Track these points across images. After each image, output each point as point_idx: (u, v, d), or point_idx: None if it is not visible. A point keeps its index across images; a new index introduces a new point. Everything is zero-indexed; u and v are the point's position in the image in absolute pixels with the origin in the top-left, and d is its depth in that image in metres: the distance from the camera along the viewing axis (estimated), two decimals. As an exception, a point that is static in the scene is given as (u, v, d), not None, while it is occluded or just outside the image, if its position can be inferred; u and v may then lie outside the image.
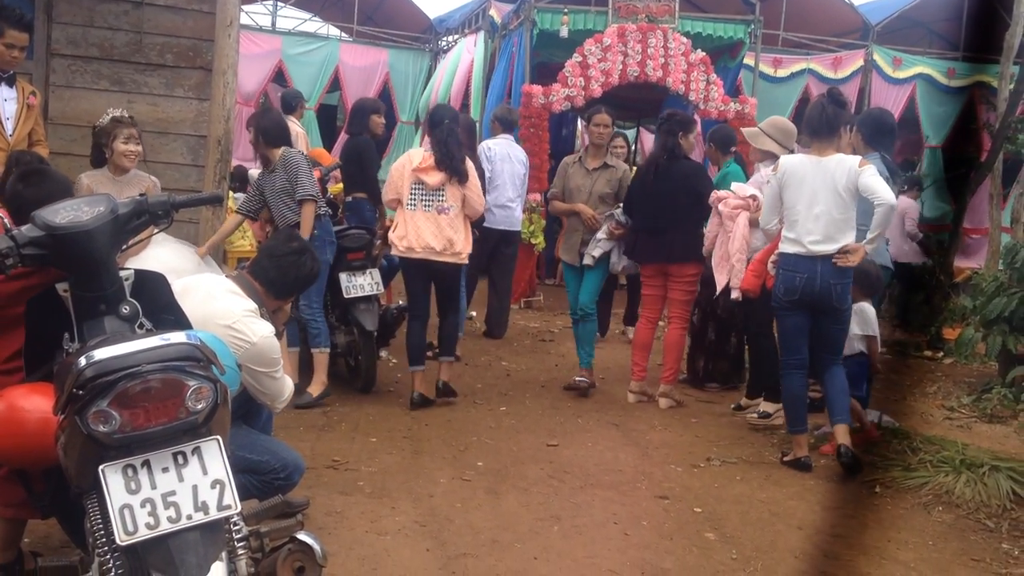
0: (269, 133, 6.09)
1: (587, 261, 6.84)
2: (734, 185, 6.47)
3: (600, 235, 6.79)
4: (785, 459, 5.55)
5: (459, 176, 6.08)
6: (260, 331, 3.70)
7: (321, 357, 6.28)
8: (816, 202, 5.27)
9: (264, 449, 3.87)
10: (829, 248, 5.26)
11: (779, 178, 5.44)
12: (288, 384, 3.93)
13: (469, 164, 6.22)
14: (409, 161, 6.14)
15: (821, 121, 5.39)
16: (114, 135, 5.01)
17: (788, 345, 5.51)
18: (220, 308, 3.68)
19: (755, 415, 6.36)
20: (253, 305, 3.82)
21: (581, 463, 5.40)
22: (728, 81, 12.49)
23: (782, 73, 14.51)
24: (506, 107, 9.42)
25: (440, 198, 6.08)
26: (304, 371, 6.36)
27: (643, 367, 6.82)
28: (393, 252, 6.29)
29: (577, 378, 6.96)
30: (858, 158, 5.40)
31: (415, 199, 6.09)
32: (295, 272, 4.00)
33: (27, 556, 3.44)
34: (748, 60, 13.04)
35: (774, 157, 6.07)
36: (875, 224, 5.22)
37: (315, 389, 6.19)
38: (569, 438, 5.85)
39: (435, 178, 6.04)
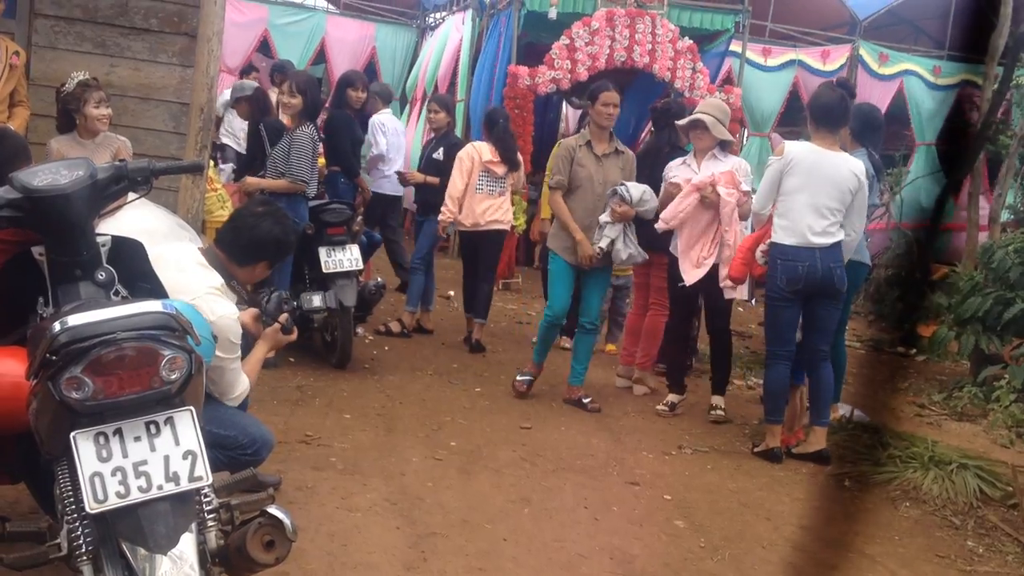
0: (309, 108, 6.57)
1: (606, 250, 6.13)
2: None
3: (604, 218, 6.10)
4: (756, 450, 5.59)
5: (515, 166, 7.59)
6: (220, 311, 3.55)
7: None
8: (819, 194, 5.28)
9: (232, 423, 3.73)
10: (827, 241, 5.29)
11: (783, 164, 5.38)
12: (244, 381, 3.78)
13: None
14: (479, 155, 7.39)
15: (838, 110, 5.39)
16: (84, 99, 4.95)
17: (779, 336, 5.51)
18: (184, 282, 3.52)
19: (664, 407, 6.36)
20: (219, 281, 3.68)
21: (554, 447, 5.41)
22: (713, 68, 12.48)
23: (772, 62, 14.50)
24: (381, 84, 10.23)
25: (502, 184, 7.48)
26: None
27: (632, 352, 6.85)
28: (459, 228, 7.53)
29: (585, 400, 6.28)
30: (862, 165, 5.40)
31: (482, 184, 7.38)
32: (249, 234, 3.84)
33: (-7, 521, 3.41)
34: (735, 48, 13.02)
35: (723, 144, 6.21)
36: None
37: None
38: (543, 421, 5.87)
39: (501, 169, 7.43)
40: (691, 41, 11.55)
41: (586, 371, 6.39)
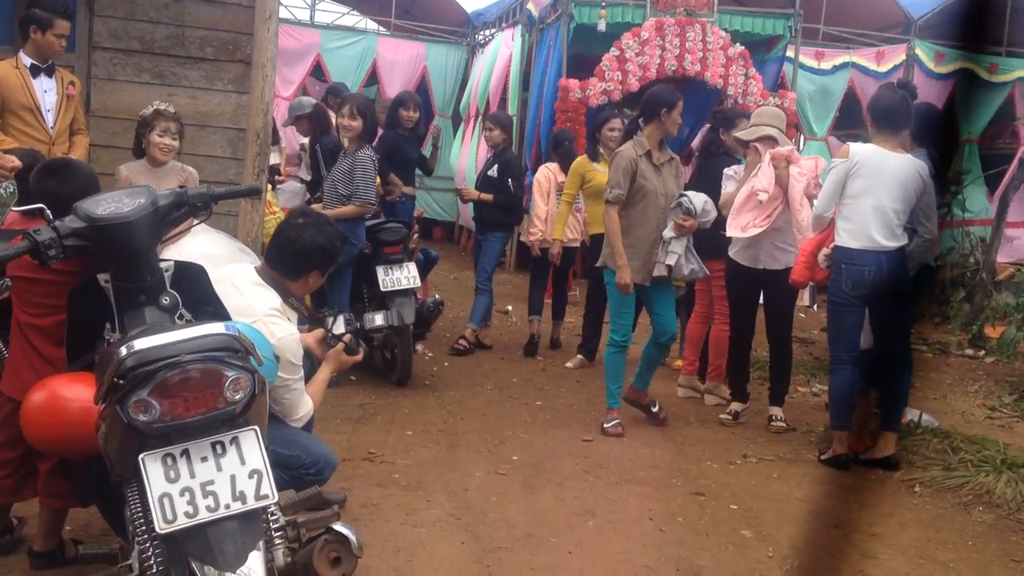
0: (369, 130, 6.67)
1: (658, 272, 5.81)
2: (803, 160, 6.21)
3: (668, 233, 5.78)
4: (823, 457, 5.50)
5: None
6: (280, 332, 3.53)
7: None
8: (885, 197, 5.19)
9: (295, 443, 3.70)
10: (893, 244, 5.22)
11: (848, 166, 5.28)
12: (307, 402, 3.76)
13: None
14: (554, 176, 7.95)
15: (901, 112, 5.30)
16: (151, 126, 5.04)
17: (844, 341, 5.41)
18: (243, 304, 3.53)
19: (728, 415, 6.28)
20: (277, 301, 3.68)
21: (616, 458, 5.38)
22: (771, 74, 12.38)
23: (826, 65, 14.35)
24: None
25: (578, 201, 7.74)
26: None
27: (693, 362, 6.80)
28: (539, 243, 7.87)
29: (654, 408, 6.10)
30: (926, 165, 5.32)
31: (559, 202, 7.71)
32: (293, 247, 3.74)
33: (68, 544, 3.48)
34: (789, 53, 12.91)
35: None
36: (911, 252, 5.35)
37: None
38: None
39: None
40: (742, 47, 11.47)
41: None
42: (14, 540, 3.59)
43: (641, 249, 5.78)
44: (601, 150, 7.43)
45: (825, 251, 5.49)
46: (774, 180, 5.89)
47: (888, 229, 5.20)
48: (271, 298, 3.67)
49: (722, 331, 6.55)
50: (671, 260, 5.76)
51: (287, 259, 3.77)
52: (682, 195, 5.88)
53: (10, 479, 3.39)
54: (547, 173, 8.03)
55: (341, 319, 4.05)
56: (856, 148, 5.38)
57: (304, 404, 3.77)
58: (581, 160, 7.56)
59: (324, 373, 4.00)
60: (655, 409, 6.06)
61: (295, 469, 3.70)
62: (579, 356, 7.68)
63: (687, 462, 5.42)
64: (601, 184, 6.87)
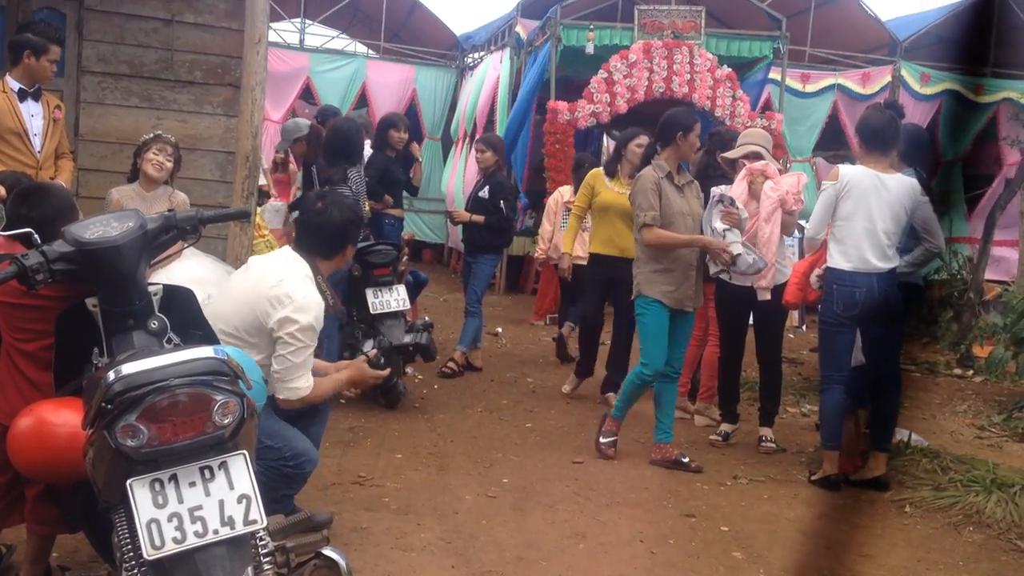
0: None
1: (714, 270, 5.71)
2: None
3: (718, 225, 5.60)
4: (813, 478, 5.50)
5: None
6: (311, 294, 3.77)
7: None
8: (876, 218, 5.20)
9: (278, 435, 3.73)
10: (885, 265, 5.23)
11: (839, 188, 5.29)
12: (307, 379, 3.76)
13: None
14: (561, 197, 8.33)
15: (889, 132, 5.31)
16: (148, 147, 5.06)
17: (835, 361, 5.43)
18: (282, 266, 3.87)
19: (718, 436, 6.30)
20: (310, 272, 3.88)
21: (607, 481, 5.37)
22: (753, 95, 12.46)
23: (811, 88, 14.45)
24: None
25: (587, 221, 7.43)
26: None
27: (685, 383, 6.80)
28: (545, 258, 8.23)
29: (684, 459, 5.66)
30: (916, 182, 5.35)
31: (565, 223, 7.80)
32: (327, 228, 3.96)
33: (55, 571, 3.46)
34: (775, 75, 13.00)
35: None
36: (915, 260, 5.43)
37: None
38: (594, 455, 5.81)
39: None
40: (729, 69, 11.54)
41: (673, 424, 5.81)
42: (2, 568, 3.56)
43: (674, 274, 5.56)
44: (619, 169, 7.06)
45: (817, 272, 5.52)
46: (746, 192, 5.95)
47: (880, 250, 5.22)
48: (305, 267, 3.89)
49: (715, 353, 6.56)
50: (736, 250, 5.50)
51: (323, 241, 3.98)
52: (722, 189, 5.83)
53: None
54: (557, 196, 8.49)
55: (371, 341, 4.18)
56: (845, 170, 5.41)
57: (304, 378, 3.78)
58: (596, 172, 7.21)
59: (341, 375, 4.10)
60: (685, 460, 5.65)
61: (273, 460, 3.69)
62: (575, 378, 7.47)
63: (677, 483, 5.41)
64: (607, 202, 6.88)
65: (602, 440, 5.78)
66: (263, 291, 3.72)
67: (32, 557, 3.34)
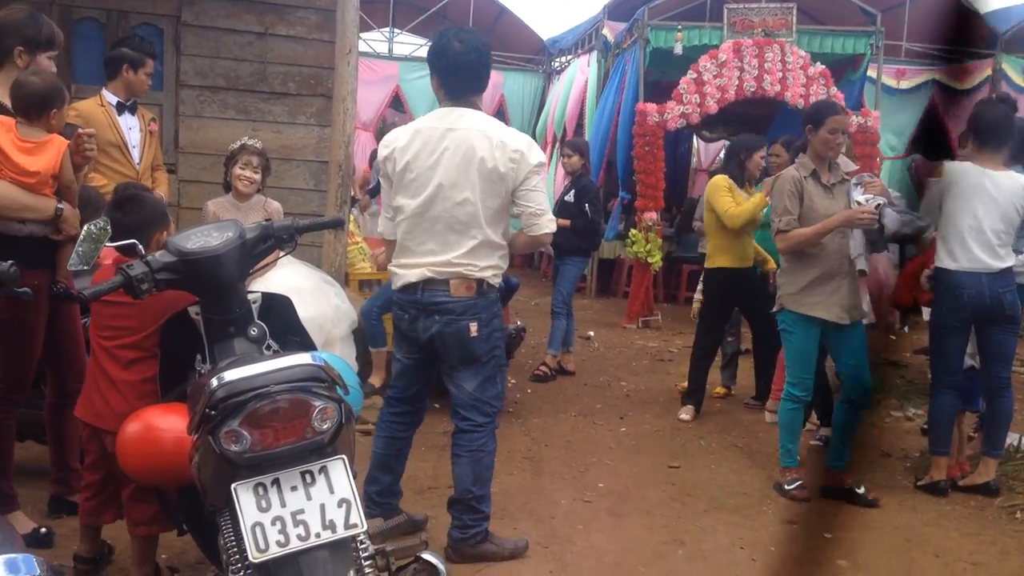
0: None
1: (877, 206, 4.87)
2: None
3: (860, 197, 4.92)
4: (919, 483, 5.33)
5: None
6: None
7: (379, 356, 6.62)
8: (983, 216, 4.99)
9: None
10: (996, 265, 5.01)
11: (943, 186, 5.09)
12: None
13: None
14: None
15: (1005, 127, 5.08)
16: (236, 160, 5.15)
17: (946, 364, 5.21)
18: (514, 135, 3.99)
19: (818, 441, 6.07)
20: None
21: (704, 485, 5.29)
22: (853, 94, 12.15)
23: (905, 84, 14.07)
24: None
25: None
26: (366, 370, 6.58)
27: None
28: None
29: (859, 489, 5.10)
30: None
31: None
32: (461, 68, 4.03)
33: (164, 571, 3.54)
34: (871, 72, 12.67)
35: None
36: None
37: (376, 380, 6.57)
38: (691, 459, 5.75)
39: None
40: (823, 66, 11.29)
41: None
42: (103, 566, 3.66)
43: (823, 284, 5.02)
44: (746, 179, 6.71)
45: (927, 272, 5.33)
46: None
47: (988, 249, 5.00)
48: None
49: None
50: (873, 204, 4.86)
51: (478, 77, 4.06)
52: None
53: (92, 501, 3.49)
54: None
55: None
56: (951, 166, 5.21)
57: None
58: (726, 179, 6.66)
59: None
60: (861, 491, 5.07)
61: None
62: (690, 406, 6.78)
63: (777, 489, 5.30)
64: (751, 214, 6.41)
65: (787, 487, 5.18)
66: (506, 155, 3.84)
67: (138, 559, 3.42)
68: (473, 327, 3.92)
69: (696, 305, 7.34)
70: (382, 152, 4.03)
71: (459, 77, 3.96)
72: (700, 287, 7.27)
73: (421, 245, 3.93)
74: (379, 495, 4.17)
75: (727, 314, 6.93)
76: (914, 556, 4.42)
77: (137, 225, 3.20)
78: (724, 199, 6.50)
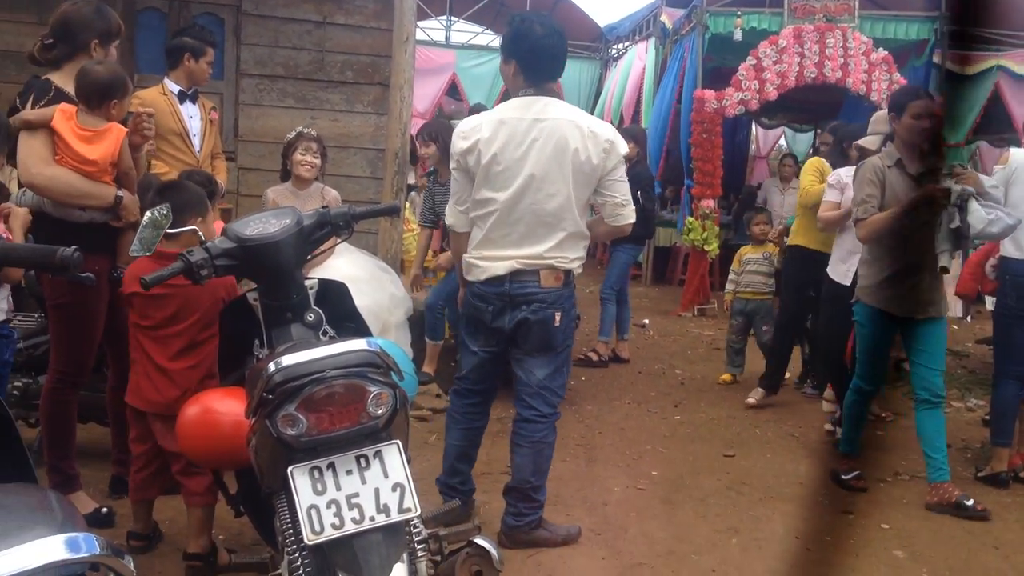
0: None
1: (943, 261, 4.56)
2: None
3: (956, 186, 4.53)
4: (980, 474, 5.25)
5: None
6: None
7: (435, 348, 6.70)
8: None
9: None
10: None
11: (1008, 173, 5.00)
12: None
13: None
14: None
15: None
16: (294, 147, 5.21)
17: (1011, 354, 5.13)
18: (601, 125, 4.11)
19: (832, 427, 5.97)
20: None
21: (759, 474, 5.26)
22: (918, 81, 11.92)
23: (969, 70, 13.76)
24: None
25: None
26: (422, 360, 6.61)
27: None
28: None
29: (967, 501, 4.73)
30: None
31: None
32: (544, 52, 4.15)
33: (221, 551, 3.61)
34: (935, 58, 12.41)
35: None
36: None
37: (429, 369, 6.69)
38: (746, 448, 5.71)
39: None
40: (885, 52, 11.09)
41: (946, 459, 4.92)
42: (153, 543, 3.79)
43: (902, 279, 4.76)
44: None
45: (992, 261, 5.23)
46: None
47: None
48: None
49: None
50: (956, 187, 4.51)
51: (556, 62, 4.25)
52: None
53: (142, 473, 3.64)
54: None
55: None
56: (1017, 154, 5.11)
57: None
58: (821, 161, 6.50)
59: None
60: (969, 503, 4.71)
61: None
62: (760, 389, 6.76)
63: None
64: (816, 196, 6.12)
65: (844, 477, 5.09)
66: (599, 146, 3.90)
67: (196, 531, 3.52)
68: (558, 316, 3.91)
69: (728, 296, 7.26)
70: (461, 144, 3.90)
71: (542, 62, 3.99)
72: (731, 276, 7.23)
73: (507, 237, 3.88)
74: (462, 484, 4.22)
75: (803, 294, 6.50)
76: (973, 547, 4.35)
77: (175, 208, 3.25)
78: (808, 177, 6.39)
